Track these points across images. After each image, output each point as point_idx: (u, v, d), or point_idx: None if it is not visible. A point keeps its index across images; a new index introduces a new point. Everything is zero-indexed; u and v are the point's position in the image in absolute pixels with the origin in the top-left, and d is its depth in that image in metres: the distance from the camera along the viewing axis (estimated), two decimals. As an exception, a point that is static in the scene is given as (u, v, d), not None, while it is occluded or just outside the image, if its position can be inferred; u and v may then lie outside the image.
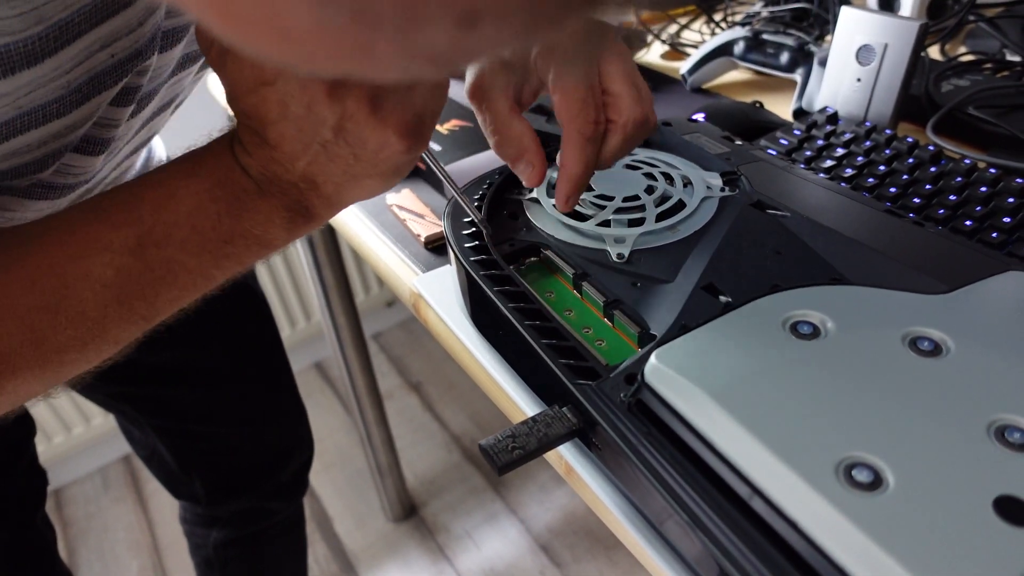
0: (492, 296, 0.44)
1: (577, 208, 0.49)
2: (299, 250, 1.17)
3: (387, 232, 0.65)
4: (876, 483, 0.27)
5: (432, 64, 0.16)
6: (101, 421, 1.51)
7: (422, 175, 0.71)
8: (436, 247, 0.62)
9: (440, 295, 0.55)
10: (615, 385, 0.37)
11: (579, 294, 0.45)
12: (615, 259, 0.46)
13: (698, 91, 0.86)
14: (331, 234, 1.07)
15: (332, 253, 1.06)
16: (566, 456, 0.41)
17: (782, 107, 0.79)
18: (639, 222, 0.48)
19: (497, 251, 0.47)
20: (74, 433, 1.50)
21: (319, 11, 0.13)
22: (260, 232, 0.36)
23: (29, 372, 0.34)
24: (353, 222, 0.68)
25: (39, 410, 1.43)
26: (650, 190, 0.51)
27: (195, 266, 0.36)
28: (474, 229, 0.49)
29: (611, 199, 0.50)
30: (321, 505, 1.48)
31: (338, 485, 1.51)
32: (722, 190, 0.51)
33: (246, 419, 0.83)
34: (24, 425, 0.67)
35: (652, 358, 0.35)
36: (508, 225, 0.50)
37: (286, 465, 0.90)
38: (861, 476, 0.27)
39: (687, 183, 0.52)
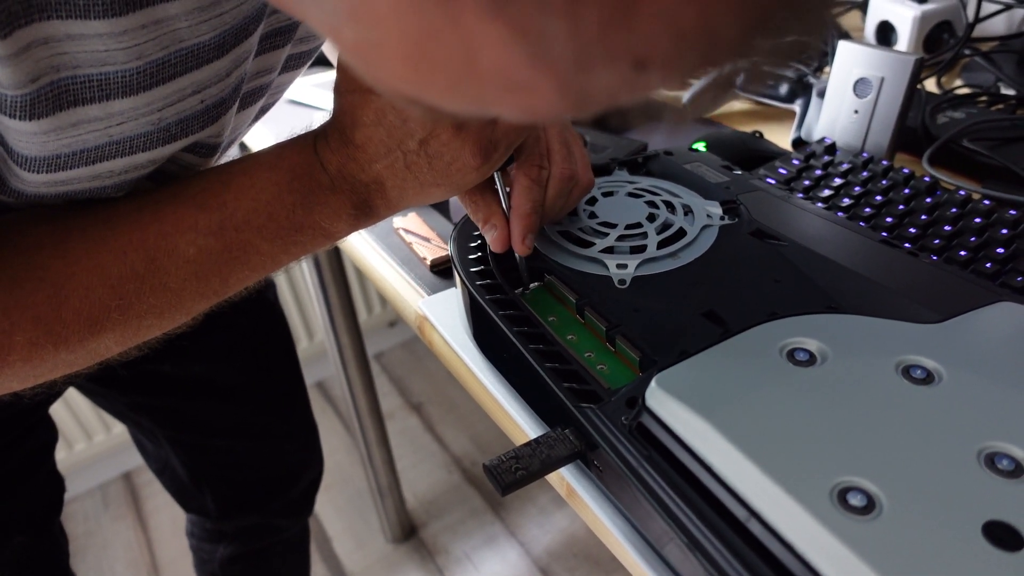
0: (496, 319, 0.45)
1: (581, 235, 0.51)
2: (303, 268, 1.18)
3: (393, 255, 0.66)
4: (870, 507, 0.28)
5: (594, 103, 0.17)
6: (103, 438, 1.52)
7: (428, 199, 0.72)
8: (441, 270, 0.63)
9: (445, 317, 0.56)
10: (616, 408, 0.38)
11: (581, 319, 0.46)
12: (617, 285, 0.47)
13: (699, 120, 0.87)
14: (336, 254, 1.08)
15: (337, 273, 1.07)
16: (568, 478, 0.42)
17: (781, 137, 0.80)
18: (641, 249, 0.49)
19: (502, 275, 0.48)
20: (76, 449, 1.51)
21: (527, 49, 0.14)
22: (327, 224, 0.40)
23: (112, 332, 0.37)
24: (360, 244, 0.69)
25: (41, 426, 1.43)
26: (652, 218, 0.52)
27: (267, 250, 0.40)
28: (480, 254, 0.50)
29: (614, 226, 0.51)
30: (321, 525, 1.48)
31: (338, 505, 1.51)
32: (722, 218, 0.53)
33: (262, 434, 0.84)
34: (49, 430, 0.67)
35: (652, 383, 0.36)
36: (512, 254, 0.51)
37: (296, 482, 0.90)
38: (855, 500, 0.28)
39: (688, 211, 0.53)
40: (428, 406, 1.72)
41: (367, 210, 0.42)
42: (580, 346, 0.45)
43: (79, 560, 1.46)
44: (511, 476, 0.37)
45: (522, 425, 0.45)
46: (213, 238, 0.38)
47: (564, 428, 0.40)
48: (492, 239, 0.47)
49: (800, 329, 0.38)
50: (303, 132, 0.42)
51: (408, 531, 1.42)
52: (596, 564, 1.32)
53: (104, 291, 0.36)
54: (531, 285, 0.50)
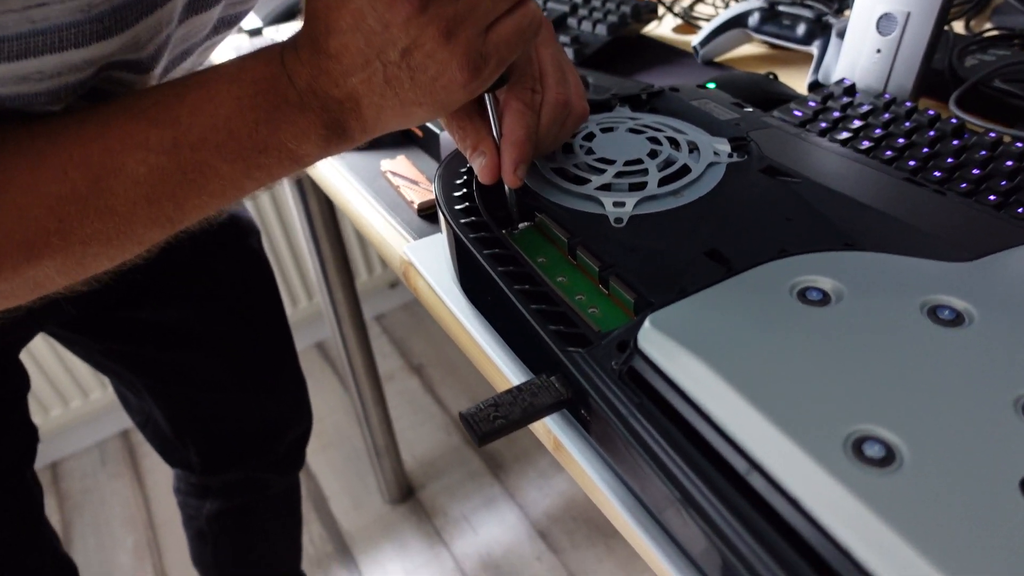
0: (480, 259, 0.41)
1: (576, 171, 0.47)
2: (299, 227, 1.15)
3: (380, 199, 0.62)
4: (888, 459, 0.24)
5: None
6: (99, 395, 1.50)
7: (418, 142, 0.68)
8: (429, 214, 0.59)
9: (431, 263, 0.52)
10: (606, 352, 0.34)
11: (573, 260, 0.42)
12: (613, 224, 0.43)
13: (710, 64, 0.82)
14: (331, 212, 1.05)
15: (332, 232, 1.03)
16: (555, 430, 0.38)
17: (797, 81, 0.75)
18: (640, 186, 0.45)
19: (488, 213, 0.44)
20: (72, 406, 1.49)
21: None
22: (294, 146, 0.36)
23: (52, 260, 0.34)
24: (344, 187, 0.65)
25: (35, 383, 1.42)
26: (653, 154, 0.48)
27: (227, 172, 0.36)
28: (465, 191, 0.46)
29: (612, 162, 0.47)
30: (318, 485, 1.47)
31: (336, 465, 1.50)
32: (730, 156, 0.48)
33: (245, 387, 0.81)
34: (19, 376, 0.65)
35: (646, 322, 0.32)
36: (502, 189, 0.47)
37: (283, 437, 0.88)
38: (872, 451, 0.25)
39: (693, 148, 0.49)
40: (428, 368, 1.70)
41: (340, 132, 0.37)
42: (571, 289, 0.41)
43: (76, 517, 1.46)
44: (488, 425, 0.34)
45: (507, 373, 0.42)
46: (166, 157, 0.34)
47: (550, 375, 0.36)
48: (480, 168, 0.43)
49: (813, 267, 0.34)
50: (270, 43, 0.37)
51: (406, 492, 1.41)
52: (596, 528, 1.30)
53: (41, 212, 0.33)
54: (520, 225, 0.46)
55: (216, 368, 0.78)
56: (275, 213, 1.47)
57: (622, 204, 0.44)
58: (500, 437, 0.34)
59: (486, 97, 0.41)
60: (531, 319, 0.37)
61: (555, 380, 0.36)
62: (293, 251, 1.55)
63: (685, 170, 0.47)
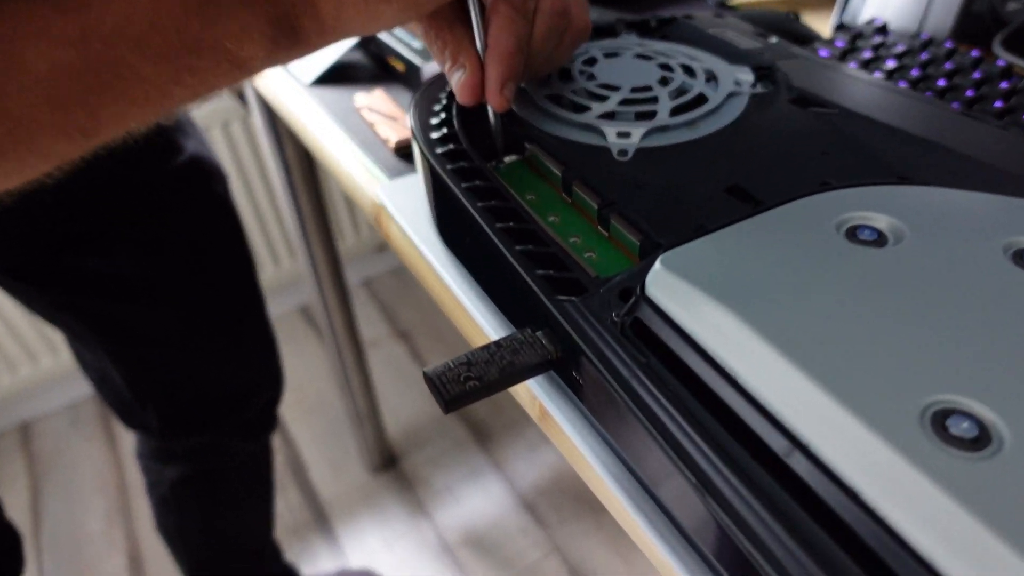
0: (457, 192, 0.34)
1: (574, 98, 0.40)
2: (276, 184, 1.07)
3: (353, 137, 0.55)
4: (982, 440, 0.18)
5: None
6: (70, 354, 1.44)
7: (399, 77, 0.61)
8: (407, 154, 0.53)
9: (406, 205, 0.46)
10: (605, 302, 0.28)
11: (567, 197, 0.36)
12: (616, 157, 0.36)
13: (724, 7, 0.75)
14: (308, 158, 0.97)
15: (308, 177, 0.96)
16: (540, 396, 0.32)
17: (820, 24, 0.68)
18: (649, 115, 0.39)
19: (470, 144, 0.37)
20: (42, 365, 1.43)
21: None
22: (234, 47, 0.30)
23: None
24: (313, 123, 0.58)
25: (1, 339, 1.35)
26: (664, 81, 0.41)
27: (150, 75, 0.29)
28: (444, 115, 0.39)
29: (616, 89, 0.40)
30: (297, 451, 1.41)
31: (316, 432, 1.44)
32: (754, 86, 0.42)
33: (208, 346, 0.75)
34: None
35: (657, 263, 0.26)
36: (485, 114, 0.40)
37: (251, 401, 0.81)
38: (960, 428, 0.19)
39: (711, 77, 0.42)
40: (416, 335, 1.64)
41: (290, 31, 0.31)
42: (564, 230, 0.34)
43: (45, 480, 1.41)
44: (457, 387, 0.28)
45: (486, 328, 0.35)
46: (73, 51, 0.28)
47: (536, 330, 0.30)
48: (460, 85, 0.36)
49: (864, 201, 0.27)
50: None
51: (388, 461, 1.36)
52: (585, 502, 1.25)
53: None
54: (506, 159, 0.40)
55: (176, 325, 0.72)
56: (255, 162, 1.39)
57: (627, 135, 0.37)
58: (472, 402, 0.28)
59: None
60: (514, 261, 0.30)
61: (541, 336, 0.30)
62: (275, 206, 1.48)
63: (701, 99, 0.40)
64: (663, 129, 0.38)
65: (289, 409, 1.48)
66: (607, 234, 0.33)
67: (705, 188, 0.33)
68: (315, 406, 1.49)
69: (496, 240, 0.32)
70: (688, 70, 0.42)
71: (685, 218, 0.31)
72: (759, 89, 0.41)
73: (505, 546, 1.22)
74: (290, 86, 0.64)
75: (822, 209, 0.27)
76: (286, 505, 1.31)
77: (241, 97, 0.90)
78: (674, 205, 0.32)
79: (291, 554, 1.22)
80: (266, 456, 0.90)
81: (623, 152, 0.36)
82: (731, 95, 0.41)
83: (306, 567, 1.22)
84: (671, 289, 0.25)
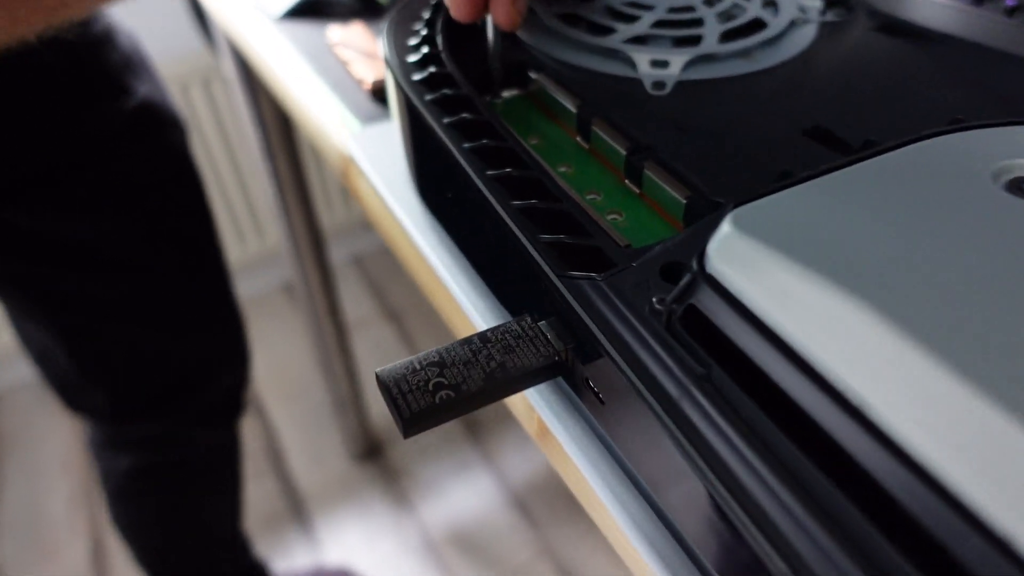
0: (437, 128, 0.25)
1: (594, 18, 0.31)
2: (255, 152, 0.98)
3: (324, 77, 0.46)
4: None
5: None
6: (36, 326, 1.35)
7: (384, 12, 0.52)
8: (386, 97, 0.44)
9: (381, 159, 0.37)
10: (641, 281, 0.19)
11: (585, 142, 0.27)
12: (651, 90, 0.27)
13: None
14: (286, 117, 0.88)
15: (285, 139, 0.87)
16: (540, 409, 0.23)
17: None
18: (692, 41, 0.30)
19: (462, 73, 0.28)
20: (3, 337, 1.34)
21: None
22: None
23: None
24: (277, 60, 0.49)
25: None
26: (710, 1, 0.32)
27: None
28: (427, 32, 0.30)
29: (649, 8, 0.31)
30: (275, 437, 1.33)
31: (296, 418, 1.36)
32: (823, 13, 0.33)
33: (162, 319, 0.66)
34: None
35: (725, 225, 0.17)
36: (480, 36, 0.31)
37: (213, 383, 0.73)
38: None
39: (768, 2, 0.33)
40: (407, 316, 1.55)
41: None
42: (579, 183, 0.26)
43: (7, 457, 1.32)
44: (424, 400, 0.19)
45: (472, 316, 0.27)
46: None
47: (538, 318, 0.21)
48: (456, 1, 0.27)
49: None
50: None
51: (372, 450, 1.27)
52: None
53: None
54: (504, 94, 0.31)
55: (126, 295, 0.63)
56: (233, 121, 1.28)
57: (664, 64, 0.28)
58: (444, 421, 0.19)
59: None
60: (510, 221, 0.22)
61: (546, 327, 0.21)
62: (257, 173, 1.38)
63: (757, 25, 0.31)
64: (710, 59, 0.29)
65: (268, 392, 1.39)
66: (638, 190, 0.25)
67: (774, 130, 0.24)
68: (296, 389, 1.41)
69: (486, 191, 0.23)
70: (739, -8, 0.33)
71: (750, 168, 0.22)
72: (829, 17, 0.32)
73: (493, 545, 1.14)
74: (257, 21, 0.55)
75: (969, 152, 0.18)
76: (260, 493, 1.23)
77: (207, 32, 0.80)
78: (733, 152, 0.23)
79: (263, 546, 1.14)
80: (232, 447, 0.81)
81: (659, 85, 0.27)
82: (794, 22, 0.32)
83: (279, 561, 1.14)
84: (748, 262, 0.16)
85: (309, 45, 0.49)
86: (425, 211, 0.32)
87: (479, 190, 0.23)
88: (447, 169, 0.26)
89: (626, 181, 0.25)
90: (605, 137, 0.25)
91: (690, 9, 0.31)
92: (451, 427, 1.30)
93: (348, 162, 0.39)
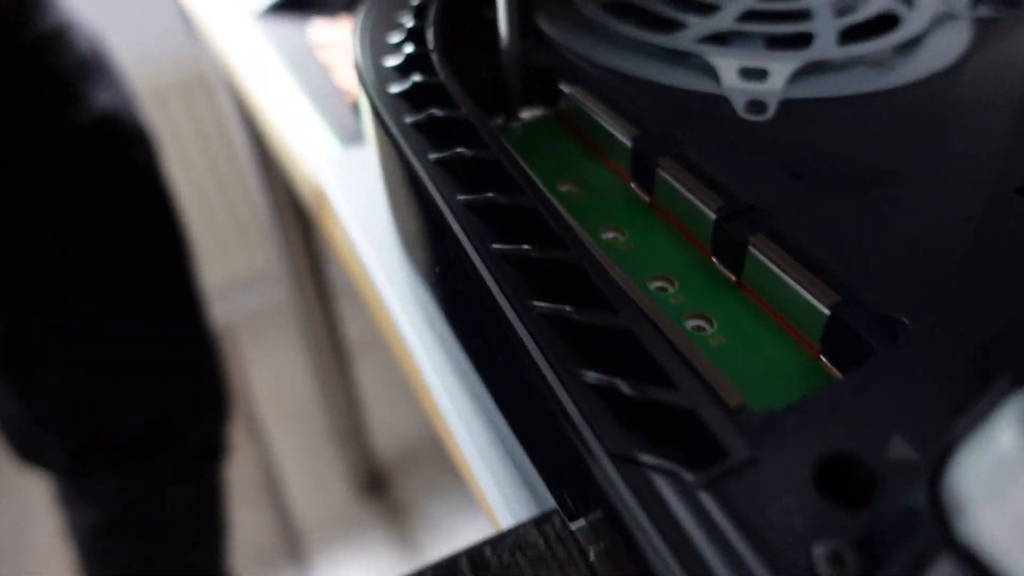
0: (419, 170, 0.16)
1: (653, 7, 0.22)
2: (244, 163, 0.89)
3: (304, 86, 0.37)
4: None
5: None
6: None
7: None
8: (375, 112, 0.35)
9: (359, 191, 0.28)
10: (776, 495, 0.10)
11: (645, 192, 0.18)
12: (744, 113, 0.18)
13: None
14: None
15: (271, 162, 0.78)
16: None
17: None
18: (798, 41, 0.20)
19: (455, 76, 0.19)
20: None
21: None
22: None
23: None
24: (251, 65, 0.41)
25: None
26: (818, -11, 0.23)
27: None
28: (412, 24, 0.21)
29: (732, -4, 0.22)
30: (272, 467, 1.25)
31: (295, 445, 1.28)
32: (974, 6, 0.23)
33: (126, 363, 0.58)
34: None
35: (1009, 428, 0.08)
36: (490, 33, 0.22)
37: (186, 428, 0.64)
38: None
39: (895, -10, 0.24)
40: (417, 335, 1.46)
41: None
42: (637, 260, 0.16)
43: (-9, 479, 1.25)
44: None
45: (490, 497, 0.18)
46: None
47: (578, 511, 0.12)
48: None
49: None
50: None
51: (375, 482, 1.19)
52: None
53: None
54: (523, 114, 0.21)
55: (86, 329, 0.55)
56: (216, 128, 1.17)
57: (761, 74, 0.19)
58: None
59: None
60: (529, 343, 0.12)
61: (583, 532, 0.12)
62: (246, 181, 1.29)
63: (888, 20, 0.22)
64: (824, 67, 0.20)
65: (267, 415, 1.31)
66: (734, 277, 0.15)
67: (950, 183, 0.15)
68: (296, 416, 1.32)
69: (491, 282, 0.14)
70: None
71: (925, 251, 0.13)
72: (983, 11, 0.23)
73: (504, 593, 1.05)
74: (236, 17, 0.46)
75: None
76: (255, 525, 1.15)
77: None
78: (889, 218, 0.14)
79: (255, 587, 1.06)
80: (212, 495, 0.72)
81: (756, 106, 0.18)
82: (941, 19, 0.22)
83: (272, 604, 1.06)
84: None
85: (291, 46, 0.41)
86: (412, 273, 0.23)
87: (480, 279, 0.14)
88: (434, 232, 0.17)
89: (714, 260, 0.16)
90: (679, 188, 0.16)
91: (791, -3, 0.22)
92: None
93: (321, 198, 0.30)
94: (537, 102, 0.21)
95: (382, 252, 0.24)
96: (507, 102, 0.21)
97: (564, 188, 0.18)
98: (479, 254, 0.14)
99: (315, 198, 0.31)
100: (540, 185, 0.16)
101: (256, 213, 1.30)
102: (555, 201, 0.16)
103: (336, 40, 0.39)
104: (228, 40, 0.44)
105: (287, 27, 0.43)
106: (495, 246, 0.14)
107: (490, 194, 0.15)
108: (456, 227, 0.15)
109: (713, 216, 0.15)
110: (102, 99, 0.50)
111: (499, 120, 0.21)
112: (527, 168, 0.16)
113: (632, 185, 0.18)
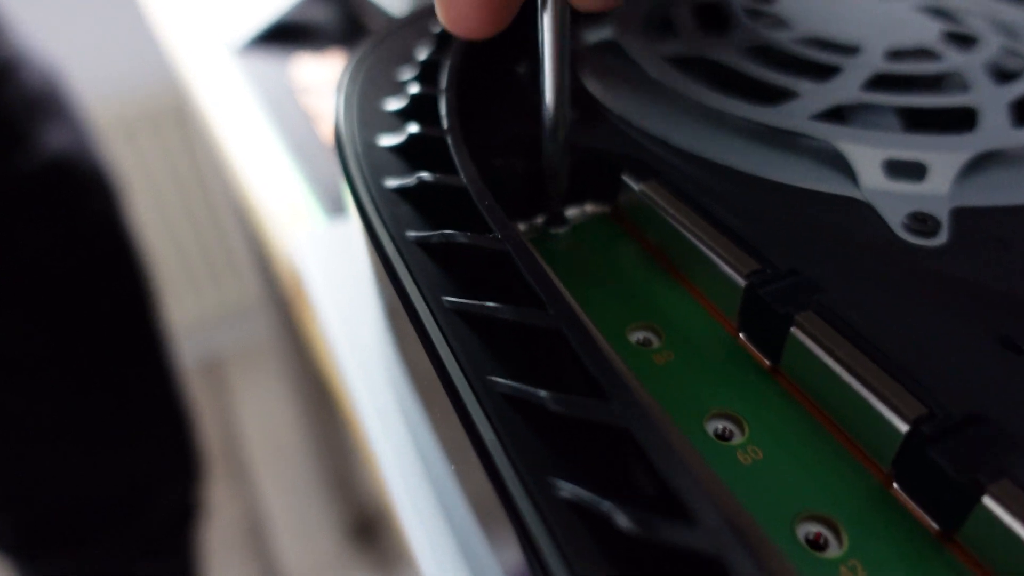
0: (417, 301, 0.11)
1: (748, 67, 0.16)
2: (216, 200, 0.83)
3: (285, 138, 0.32)
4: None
5: None
6: None
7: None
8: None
9: (343, 276, 0.22)
10: None
11: (767, 357, 0.12)
12: (903, 233, 0.12)
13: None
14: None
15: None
16: None
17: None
18: (955, 118, 0.15)
19: (470, 161, 0.13)
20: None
21: None
22: None
23: None
24: (223, 112, 0.35)
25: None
26: (957, 40, 0.17)
27: None
28: (418, 90, 0.16)
29: (853, 50, 0.16)
30: (257, 509, 1.18)
31: (282, 488, 1.21)
32: None
33: (79, 427, 0.52)
34: None
35: None
36: (527, 100, 0.16)
37: (153, 503, 0.58)
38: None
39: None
40: (412, 370, 1.40)
41: None
42: (762, 474, 0.10)
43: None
44: None
45: None
46: None
47: None
48: None
49: None
50: None
51: (365, 529, 1.12)
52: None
53: None
54: (569, 213, 0.16)
55: (39, 397, 0.49)
56: (187, 155, 1.09)
57: (918, 171, 0.13)
58: None
59: None
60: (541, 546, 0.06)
61: None
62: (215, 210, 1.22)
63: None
64: (1001, 159, 0.14)
65: (253, 456, 1.24)
66: (913, 502, 0.09)
67: None
68: (283, 456, 1.25)
69: (510, 484, 0.08)
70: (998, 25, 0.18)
71: None
72: None
73: (503, 657, 0.98)
74: (212, 53, 0.41)
75: None
76: (238, 574, 1.08)
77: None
78: None
79: (236, 647, 0.99)
80: (187, 567, 0.66)
81: (922, 221, 0.12)
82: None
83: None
84: None
85: (273, 90, 0.35)
86: (403, 390, 0.17)
87: (496, 468, 0.08)
88: (441, 378, 0.11)
89: (895, 486, 0.10)
90: (833, 367, 0.10)
91: (929, 54, 0.16)
92: (458, 511, 1.15)
93: (298, 282, 0.24)
94: (589, 197, 0.15)
95: (366, 367, 0.19)
96: (546, 197, 0.15)
97: (637, 336, 0.13)
98: (509, 455, 0.08)
99: (292, 282, 0.25)
100: (594, 331, 0.10)
101: (232, 249, 1.23)
102: (614, 355, 0.10)
103: (322, 83, 0.34)
104: (204, 81, 0.39)
105: (269, 64, 0.38)
106: (520, 419, 0.08)
107: (515, 352, 0.09)
108: (467, 401, 0.09)
109: (903, 430, 0.09)
110: (54, 140, 0.44)
111: (538, 222, 0.15)
112: (575, 305, 0.10)
113: (741, 337, 0.12)
